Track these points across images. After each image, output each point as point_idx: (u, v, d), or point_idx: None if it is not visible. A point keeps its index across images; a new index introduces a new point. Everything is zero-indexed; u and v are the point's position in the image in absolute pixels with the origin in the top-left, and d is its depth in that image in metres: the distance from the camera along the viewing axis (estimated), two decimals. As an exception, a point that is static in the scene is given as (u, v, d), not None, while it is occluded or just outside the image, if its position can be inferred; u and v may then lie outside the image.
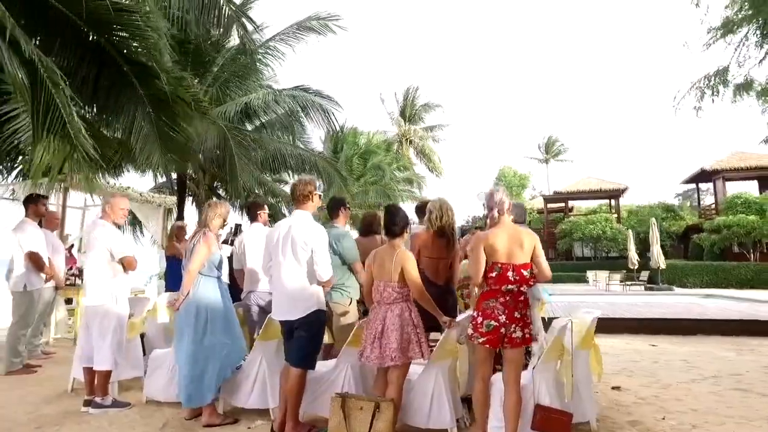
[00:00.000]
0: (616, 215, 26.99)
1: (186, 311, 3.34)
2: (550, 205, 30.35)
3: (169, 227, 9.31)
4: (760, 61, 7.90)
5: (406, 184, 23.97)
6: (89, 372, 3.73)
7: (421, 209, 4.51)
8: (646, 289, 17.68)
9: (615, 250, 24.52)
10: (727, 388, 4.47)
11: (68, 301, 7.05)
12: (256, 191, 11.41)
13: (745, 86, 8.14)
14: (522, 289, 2.95)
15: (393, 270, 3.07)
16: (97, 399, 3.63)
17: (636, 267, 19.06)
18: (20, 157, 7.13)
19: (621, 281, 18.29)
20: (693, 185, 27.30)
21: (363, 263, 3.57)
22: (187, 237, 5.35)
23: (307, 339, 3.15)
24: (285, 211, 13.25)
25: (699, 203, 26.69)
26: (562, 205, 30.18)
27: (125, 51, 4.68)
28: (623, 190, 27.95)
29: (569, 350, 3.12)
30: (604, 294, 16.29)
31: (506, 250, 2.93)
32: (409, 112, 33.54)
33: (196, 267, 3.34)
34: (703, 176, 23.58)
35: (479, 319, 2.95)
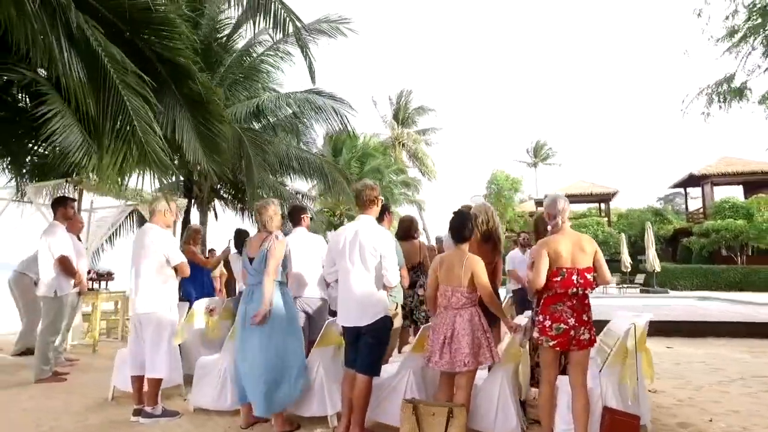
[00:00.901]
0: (606, 219, 27.46)
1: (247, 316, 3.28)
2: (540, 209, 30.67)
3: (178, 230, 9.18)
4: (766, 70, 8.14)
5: (403, 187, 24.02)
6: (138, 380, 3.64)
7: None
8: (642, 291, 18.02)
9: (607, 253, 24.88)
10: (759, 390, 4.57)
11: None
12: (263, 194, 11.33)
13: (741, 92, 8.37)
14: (586, 292, 3.01)
15: (463, 275, 3.09)
16: (148, 408, 3.55)
17: (629, 270, 19.41)
18: (28, 158, 7.00)
19: (617, 284, 18.61)
20: (675, 190, 27.96)
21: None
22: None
23: (375, 345, 3.15)
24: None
25: (687, 207, 27.32)
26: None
27: (160, 52, 4.63)
28: (613, 194, 28.47)
29: (632, 353, 3.17)
30: (602, 297, 16.52)
31: (570, 254, 2.98)
32: (402, 116, 33.67)
33: (274, 272, 3.30)
34: (691, 181, 24.18)
35: (547, 323, 2.99)
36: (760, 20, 7.80)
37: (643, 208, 27.54)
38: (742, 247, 20.59)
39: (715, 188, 23.34)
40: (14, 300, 6.43)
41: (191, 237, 5.61)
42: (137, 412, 3.58)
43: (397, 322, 4.23)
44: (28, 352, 6.04)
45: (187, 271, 3.81)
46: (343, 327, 3.24)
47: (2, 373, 5.11)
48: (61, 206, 4.97)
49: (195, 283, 5.52)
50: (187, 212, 10.25)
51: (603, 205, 29.27)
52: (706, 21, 9.83)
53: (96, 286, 6.85)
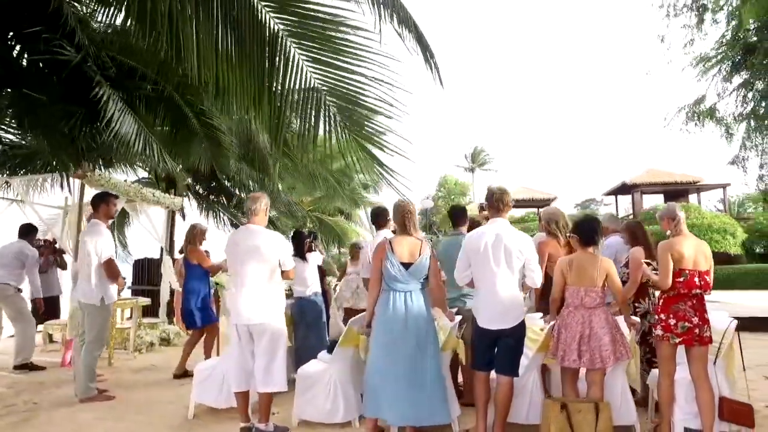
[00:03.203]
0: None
1: (410, 324, 3.15)
2: (484, 212, 32.14)
3: (169, 231, 8.54)
4: (730, 93, 9.28)
5: (361, 188, 23.96)
6: (244, 396, 3.39)
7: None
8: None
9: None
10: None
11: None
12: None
13: (713, 113, 9.49)
14: (705, 293, 3.31)
15: (597, 276, 3.26)
16: (261, 426, 3.32)
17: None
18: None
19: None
20: (590, 197, 30.64)
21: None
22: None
23: (516, 347, 3.23)
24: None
25: (618, 213, 29.97)
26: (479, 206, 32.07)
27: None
28: (552, 200, 30.50)
29: (736, 348, 3.52)
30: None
31: (693, 257, 3.26)
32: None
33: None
34: (623, 189, 26.55)
35: (672, 321, 3.24)
36: (728, 52, 8.87)
37: (576, 214, 29.82)
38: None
39: (644, 196, 25.87)
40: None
41: (197, 237, 5.23)
42: (246, 430, 3.34)
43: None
44: (28, 365, 5.38)
45: (293, 276, 3.61)
46: (481, 329, 3.25)
47: (32, 393, 4.49)
48: (103, 203, 4.45)
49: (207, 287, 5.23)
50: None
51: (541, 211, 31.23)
52: (667, 47, 11.01)
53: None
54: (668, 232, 3.43)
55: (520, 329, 3.21)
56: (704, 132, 9.46)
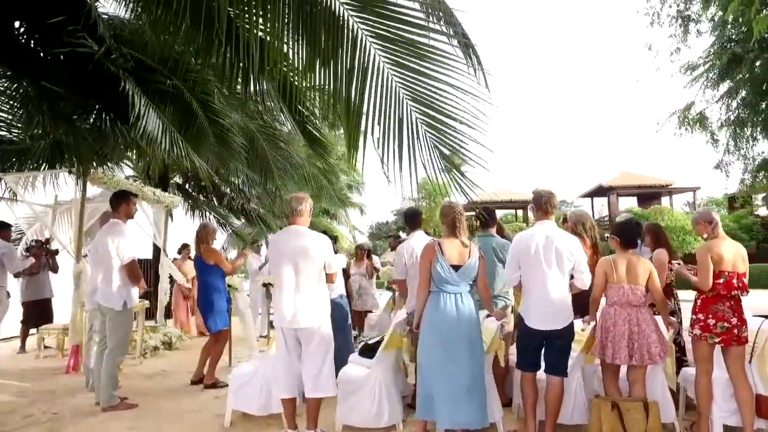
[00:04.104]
0: (525, 224, 29.94)
1: (461, 326, 3.15)
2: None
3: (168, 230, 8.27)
4: (716, 101, 9.69)
5: (345, 189, 23.87)
6: (292, 403, 3.31)
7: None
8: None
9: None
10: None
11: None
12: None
13: (702, 120, 9.90)
14: (742, 295, 3.44)
15: (643, 276, 3.35)
16: None
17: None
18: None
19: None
20: (561, 199, 31.50)
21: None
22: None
23: (567, 347, 3.28)
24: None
25: (593, 214, 30.88)
26: (473, 213, 32.50)
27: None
28: (530, 201, 31.14)
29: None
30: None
31: (732, 260, 3.38)
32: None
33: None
34: (599, 191, 27.42)
35: (711, 321, 3.35)
36: (715, 61, 9.26)
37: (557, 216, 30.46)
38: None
39: (619, 198, 26.80)
40: None
41: (210, 237, 5.05)
42: (295, 437, 3.26)
43: (511, 324, 4.35)
44: None
45: (335, 280, 3.55)
46: (531, 330, 3.27)
47: (46, 403, 4.25)
48: (124, 202, 4.25)
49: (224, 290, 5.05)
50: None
51: (520, 212, 31.86)
52: (655, 54, 11.41)
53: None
54: (705, 236, 3.54)
55: (570, 330, 3.26)
56: (692, 138, 9.82)
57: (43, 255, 6.65)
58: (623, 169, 28.29)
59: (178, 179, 10.94)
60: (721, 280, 3.35)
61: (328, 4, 2.34)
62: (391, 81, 2.47)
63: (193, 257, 5.38)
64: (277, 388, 3.35)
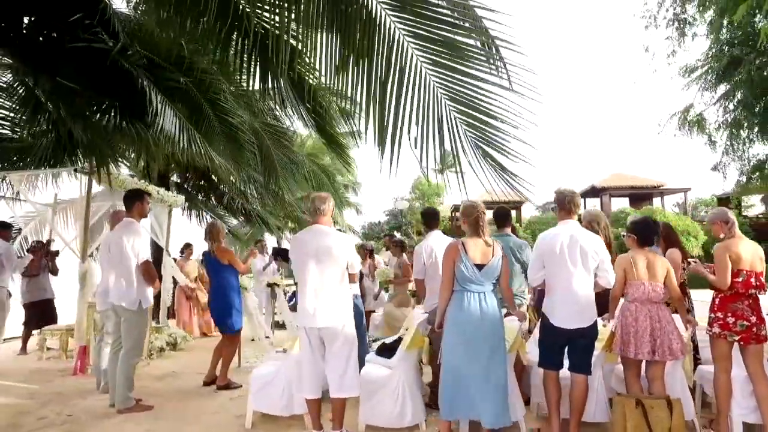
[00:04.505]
0: (518, 224, 30.12)
1: (484, 325, 3.15)
2: (456, 214, 32.75)
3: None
4: (714, 103, 9.84)
5: (342, 188, 23.80)
6: (317, 404, 3.29)
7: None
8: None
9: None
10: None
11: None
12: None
13: (700, 123, 10.05)
14: (760, 294, 3.49)
15: (661, 273, 3.40)
16: None
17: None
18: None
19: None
20: (549, 200, 31.72)
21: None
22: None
23: (591, 345, 3.30)
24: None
25: (585, 215, 31.16)
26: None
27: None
28: (522, 203, 31.35)
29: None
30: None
31: (750, 259, 3.43)
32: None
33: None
34: (592, 192, 27.65)
35: (730, 320, 3.40)
36: (714, 63, 9.41)
37: (547, 216, 30.71)
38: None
39: (611, 199, 27.06)
40: None
41: (221, 235, 4.96)
42: (322, 437, 3.24)
43: (525, 324, 4.37)
44: None
45: (356, 280, 3.54)
46: (556, 328, 3.29)
47: (58, 404, 4.16)
48: (138, 200, 4.18)
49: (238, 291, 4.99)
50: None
51: (514, 212, 32.03)
52: (651, 56, 11.57)
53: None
54: (721, 235, 3.59)
55: (595, 328, 3.29)
56: (690, 140, 9.96)
57: (42, 256, 6.54)
58: (615, 170, 28.63)
59: (176, 178, 10.84)
60: (740, 279, 3.40)
61: (365, 3, 2.33)
62: (429, 80, 2.47)
63: (203, 256, 5.27)
64: (302, 388, 3.32)
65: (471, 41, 2.36)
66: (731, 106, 9.88)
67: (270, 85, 3.81)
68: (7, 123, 6.25)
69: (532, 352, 3.90)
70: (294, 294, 9.18)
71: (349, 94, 2.61)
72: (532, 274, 3.44)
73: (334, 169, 24.31)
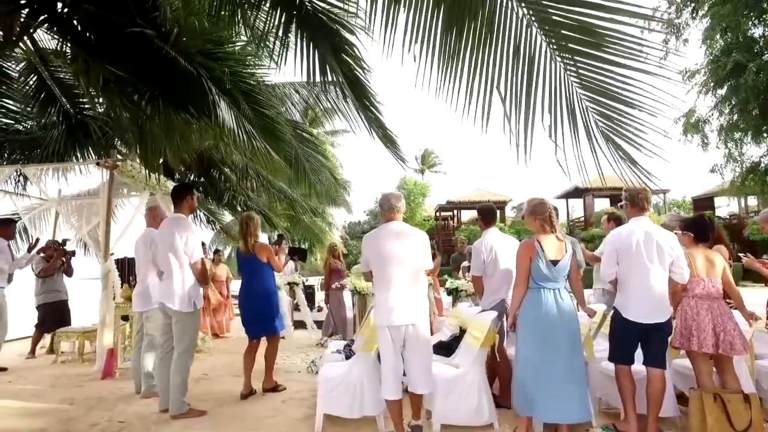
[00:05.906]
0: (502, 224, 30.47)
1: (563, 322, 3.14)
2: (443, 213, 32.96)
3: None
4: (713, 108, 10.18)
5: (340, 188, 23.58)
6: (398, 405, 3.21)
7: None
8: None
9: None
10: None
11: (124, 318, 5.61)
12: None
13: (698, 127, 10.38)
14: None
15: (718, 270, 3.49)
16: (419, 422, 3.21)
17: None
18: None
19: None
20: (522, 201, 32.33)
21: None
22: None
23: (666, 339, 3.34)
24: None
25: (567, 216, 31.79)
26: (450, 213, 33.02)
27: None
28: (507, 202, 31.77)
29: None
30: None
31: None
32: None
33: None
34: (575, 192, 28.26)
35: None
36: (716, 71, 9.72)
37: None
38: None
39: (595, 200, 27.72)
40: None
41: (258, 229, 4.58)
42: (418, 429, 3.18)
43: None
44: None
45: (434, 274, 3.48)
46: (632, 323, 3.30)
47: (104, 410, 3.94)
48: (188, 195, 3.97)
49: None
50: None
51: (498, 212, 32.41)
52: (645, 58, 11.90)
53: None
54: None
55: (670, 322, 3.34)
56: (690, 143, 10.26)
57: (59, 256, 6.21)
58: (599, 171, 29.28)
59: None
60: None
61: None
62: (558, 67, 2.43)
63: (238, 253, 4.85)
64: (386, 390, 3.22)
65: (607, 24, 2.33)
66: (727, 110, 10.25)
67: (330, 79, 3.71)
68: (19, 115, 5.93)
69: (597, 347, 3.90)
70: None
71: (462, 83, 2.51)
72: (606, 269, 3.45)
73: (332, 165, 24.11)
